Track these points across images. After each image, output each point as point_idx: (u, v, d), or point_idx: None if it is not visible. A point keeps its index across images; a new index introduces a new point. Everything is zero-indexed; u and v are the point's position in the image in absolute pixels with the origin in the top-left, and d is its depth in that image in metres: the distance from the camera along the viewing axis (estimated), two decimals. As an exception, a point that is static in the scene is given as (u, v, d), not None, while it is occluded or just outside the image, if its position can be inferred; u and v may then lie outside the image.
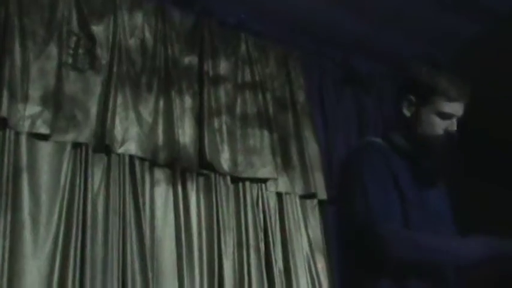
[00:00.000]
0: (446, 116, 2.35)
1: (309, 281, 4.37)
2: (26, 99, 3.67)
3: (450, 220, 2.45)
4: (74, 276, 3.48)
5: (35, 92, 3.72)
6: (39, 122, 3.67)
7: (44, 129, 3.67)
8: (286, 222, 4.43)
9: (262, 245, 4.27)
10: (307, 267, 4.42)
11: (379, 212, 2.16)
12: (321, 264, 4.49)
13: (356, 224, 2.20)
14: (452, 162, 2.42)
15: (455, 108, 2.36)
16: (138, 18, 4.36)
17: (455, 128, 2.38)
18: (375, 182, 2.22)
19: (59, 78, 3.85)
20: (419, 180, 2.35)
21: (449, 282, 2.20)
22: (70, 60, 3.95)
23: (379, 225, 2.13)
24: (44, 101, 3.73)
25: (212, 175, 4.25)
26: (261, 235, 4.30)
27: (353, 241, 2.25)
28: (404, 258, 2.13)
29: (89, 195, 3.70)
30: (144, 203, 3.89)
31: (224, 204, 4.22)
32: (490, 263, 2.07)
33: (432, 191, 2.40)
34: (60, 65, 3.88)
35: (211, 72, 4.52)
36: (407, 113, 2.40)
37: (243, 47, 4.79)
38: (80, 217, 3.64)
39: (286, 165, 4.61)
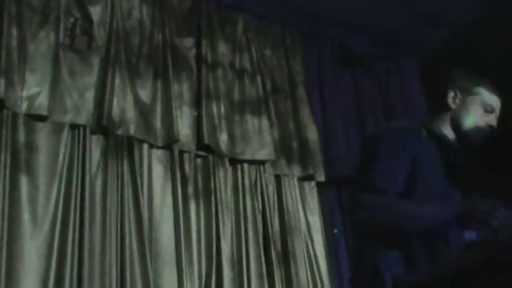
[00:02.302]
0: (489, 108, 2.51)
1: (307, 263, 4.38)
2: (23, 80, 3.66)
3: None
4: (72, 256, 3.48)
5: (32, 73, 3.71)
6: (36, 103, 3.66)
7: (41, 111, 3.66)
8: (285, 204, 4.44)
9: (260, 227, 4.28)
10: (305, 249, 4.42)
11: (379, 180, 2.25)
12: (319, 246, 4.49)
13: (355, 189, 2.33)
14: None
15: (496, 101, 2.53)
16: (136, -1, 4.34)
17: (495, 123, 2.54)
18: (387, 155, 2.32)
19: (56, 60, 3.83)
20: (452, 169, 2.41)
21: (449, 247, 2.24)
22: (67, 41, 3.93)
23: (360, 192, 2.24)
24: (41, 82, 3.72)
25: (210, 157, 4.25)
26: (259, 217, 4.31)
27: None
28: (373, 223, 2.21)
29: (87, 177, 3.70)
30: (142, 185, 3.89)
31: (222, 186, 4.22)
32: (456, 224, 2.17)
33: (457, 185, 2.46)
34: (58, 46, 3.86)
35: (209, 55, 4.51)
36: (453, 105, 2.53)
37: (241, 28, 4.77)
38: (78, 198, 3.64)
39: (284, 147, 4.61)
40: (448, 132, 2.53)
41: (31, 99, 3.65)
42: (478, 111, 2.50)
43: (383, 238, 2.25)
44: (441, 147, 2.48)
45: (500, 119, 2.58)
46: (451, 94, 2.54)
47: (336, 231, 4.65)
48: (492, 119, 2.52)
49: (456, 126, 2.52)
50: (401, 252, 2.23)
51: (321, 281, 4.35)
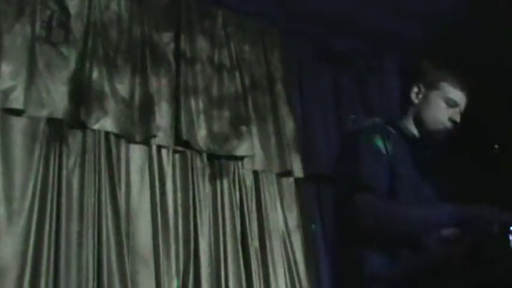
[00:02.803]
0: (451, 102, 2.51)
1: (285, 259, 4.38)
2: (-2, 73, 3.61)
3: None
4: (48, 251, 3.46)
5: (7, 67, 3.66)
6: (12, 97, 3.61)
7: (17, 105, 3.62)
8: (263, 200, 4.44)
9: (238, 223, 4.27)
10: (283, 245, 4.43)
11: (367, 179, 2.28)
12: (296, 242, 4.50)
13: (342, 190, 2.37)
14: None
15: (460, 96, 2.54)
16: (114, -8, 4.31)
17: (458, 118, 2.54)
18: (369, 154, 2.34)
19: (32, 53, 3.79)
20: (419, 166, 2.42)
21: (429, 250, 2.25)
22: (44, 34, 3.89)
23: (358, 194, 2.24)
24: (17, 75, 3.67)
25: (188, 152, 4.23)
26: (237, 213, 4.30)
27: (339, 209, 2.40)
28: (374, 227, 2.22)
29: (64, 172, 3.67)
30: (119, 180, 3.87)
31: (200, 181, 4.21)
32: (455, 228, 2.17)
33: (426, 179, 2.46)
34: (34, 39, 3.82)
35: (187, 50, 4.49)
36: (415, 100, 2.55)
37: (220, 24, 4.75)
38: (55, 193, 3.61)
39: (262, 143, 4.61)
40: (413, 127, 2.55)
41: (6, 93, 3.60)
42: (440, 106, 2.51)
43: (380, 240, 2.25)
44: (408, 142, 2.50)
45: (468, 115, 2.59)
46: (414, 89, 2.56)
47: (313, 226, 4.65)
48: (455, 114, 2.52)
49: (418, 121, 2.54)
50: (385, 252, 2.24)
51: (298, 277, 4.35)
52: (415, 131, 2.55)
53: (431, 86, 2.53)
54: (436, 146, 2.55)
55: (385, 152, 2.36)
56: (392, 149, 2.39)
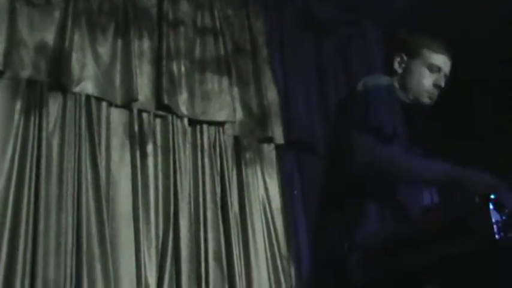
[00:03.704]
0: (434, 68, 2.50)
1: (264, 225, 4.41)
2: (-23, 34, 3.56)
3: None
4: (27, 214, 3.45)
5: (-13, 27, 3.61)
6: (-9, 59, 3.57)
7: (-3, 65, 3.58)
8: (243, 166, 4.44)
9: (218, 189, 4.28)
10: (262, 211, 4.45)
11: (378, 121, 2.27)
12: (276, 208, 4.52)
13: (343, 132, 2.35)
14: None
15: (443, 60, 2.52)
16: (96, -47, 4.23)
17: (443, 83, 2.53)
18: (383, 104, 2.33)
19: (13, 13, 3.73)
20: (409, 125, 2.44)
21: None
22: (25, -5, 3.83)
23: (363, 134, 2.24)
24: (-3, 36, 3.62)
25: (169, 117, 4.22)
26: (218, 178, 4.31)
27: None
28: (370, 167, 2.21)
29: (44, 134, 3.64)
30: (99, 143, 3.85)
31: (181, 146, 4.20)
32: (446, 185, 2.19)
33: (412, 146, 2.47)
34: (14, 0, 3.76)
35: (170, 14, 4.44)
36: (399, 69, 2.54)
37: (203, -13, 4.70)
38: (35, 156, 3.59)
39: (244, 109, 4.60)
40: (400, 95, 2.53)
41: (-14, 53, 3.55)
42: (422, 73, 2.50)
43: (369, 188, 2.27)
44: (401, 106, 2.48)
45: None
46: (397, 59, 2.55)
47: (295, 192, 4.67)
48: (439, 79, 2.52)
49: (404, 90, 2.52)
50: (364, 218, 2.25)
51: (278, 243, 4.38)
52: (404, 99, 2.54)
53: (413, 54, 2.52)
54: (422, 113, 2.56)
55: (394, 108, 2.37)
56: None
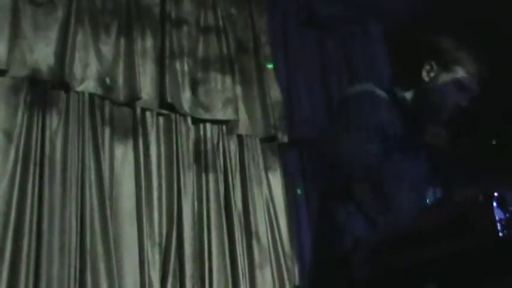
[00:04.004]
0: (462, 88, 2.41)
1: (268, 223, 4.40)
2: (-20, 33, 3.56)
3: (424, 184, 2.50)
4: (31, 214, 3.46)
5: (-10, 26, 3.61)
6: (-5, 58, 3.57)
7: (0, 65, 3.57)
8: (246, 165, 4.44)
9: (221, 187, 4.28)
10: (266, 209, 4.45)
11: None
12: (280, 207, 4.52)
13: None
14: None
15: (473, 84, 2.42)
16: (98, -48, 4.23)
17: (466, 103, 2.42)
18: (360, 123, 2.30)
19: (16, 12, 3.74)
20: (408, 139, 2.40)
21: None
22: (28, -6, 3.84)
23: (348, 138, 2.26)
24: (0, 35, 3.62)
25: (173, 115, 4.22)
26: (221, 177, 4.31)
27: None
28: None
29: (47, 133, 3.66)
30: (103, 142, 3.86)
31: (184, 145, 4.20)
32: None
33: (415, 154, 2.44)
34: (17, -1, 3.77)
35: (173, 13, 4.44)
36: (426, 77, 2.43)
37: (206, -14, 4.70)
38: (38, 156, 3.60)
39: (247, 107, 4.60)
40: (411, 101, 2.47)
41: (-12, 53, 3.56)
42: (450, 89, 2.40)
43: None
44: (400, 110, 2.43)
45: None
46: (426, 67, 2.43)
47: (299, 191, 4.67)
48: (463, 99, 2.41)
49: (423, 99, 2.43)
50: (362, 213, 2.25)
51: (281, 241, 4.38)
52: (411, 105, 2.46)
53: (445, 67, 2.41)
54: (435, 126, 2.46)
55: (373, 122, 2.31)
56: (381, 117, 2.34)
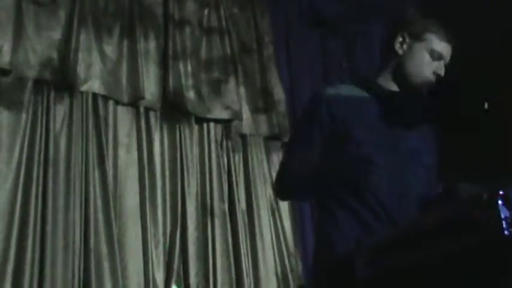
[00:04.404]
0: (436, 55, 2.41)
1: (271, 222, 4.41)
2: (-16, 33, 3.56)
3: (427, 160, 2.49)
4: (35, 213, 3.46)
5: (-6, 26, 3.61)
6: (-2, 57, 3.57)
7: (4, 65, 3.57)
8: (250, 164, 4.44)
9: (225, 186, 4.29)
10: (269, 208, 4.45)
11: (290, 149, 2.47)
12: (283, 206, 4.52)
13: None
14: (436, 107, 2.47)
15: (446, 49, 2.42)
16: (101, -48, 4.24)
17: (443, 72, 2.43)
18: (304, 129, 2.43)
19: (20, 13, 3.73)
20: (393, 120, 2.38)
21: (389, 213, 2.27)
22: (31, -6, 3.83)
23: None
24: (4, 35, 3.61)
25: (176, 115, 4.22)
26: (225, 176, 4.32)
27: None
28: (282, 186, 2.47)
29: (51, 134, 3.66)
30: (107, 142, 3.87)
31: (188, 144, 4.21)
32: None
33: (409, 132, 2.42)
34: (20, -2, 3.76)
35: (176, 14, 4.44)
36: (399, 50, 2.44)
37: (209, -13, 4.70)
38: (42, 155, 3.60)
39: (250, 107, 4.60)
40: (391, 83, 2.46)
41: (-8, 52, 3.56)
42: (424, 58, 2.40)
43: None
44: (381, 100, 2.42)
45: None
46: (399, 39, 2.44)
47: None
48: (440, 67, 2.42)
49: (400, 74, 2.43)
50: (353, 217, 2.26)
51: (285, 240, 4.39)
52: (393, 87, 2.45)
53: (417, 36, 2.41)
54: (417, 101, 2.45)
55: (326, 117, 2.37)
56: (348, 111, 2.36)
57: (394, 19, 2.59)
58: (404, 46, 2.43)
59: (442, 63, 2.43)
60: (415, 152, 2.40)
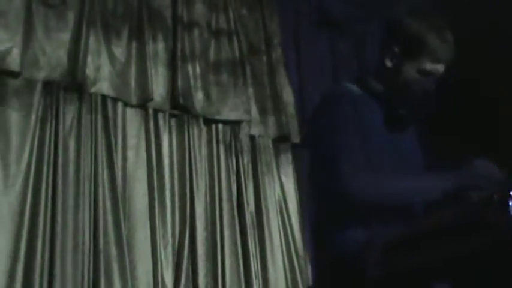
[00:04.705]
0: (426, 73, 2.31)
1: (280, 224, 4.41)
2: (-6, 34, 3.58)
3: (420, 162, 2.48)
4: (45, 214, 3.47)
5: (3, 28, 3.62)
6: (8, 59, 3.57)
7: (13, 66, 3.58)
8: (259, 165, 4.44)
9: (234, 188, 4.29)
10: (278, 210, 4.45)
11: (342, 154, 2.17)
12: (292, 207, 4.52)
13: (321, 165, 2.26)
14: (424, 110, 2.43)
15: (438, 68, 2.32)
16: (110, -46, 4.24)
17: (432, 88, 2.34)
18: (341, 127, 2.24)
19: (29, 14, 3.75)
20: (391, 124, 2.36)
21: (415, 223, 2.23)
22: (41, -4, 3.85)
23: (340, 165, 2.14)
24: (13, 37, 3.63)
25: (185, 116, 4.23)
26: (233, 177, 4.32)
27: (319, 184, 2.30)
28: (365, 197, 2.14)
29: (60, 135, 3.67)
30: (116, 143, 3.87)
31: (196, 146, 4.21)
32: (453, 195, 2.10)
33: (404, 135, 2.41)
34: (31, 0, 3.77)
35: (185, 16, 4.45)
36: (388, 63, 2.34)
37: (218, -12, 4.71)
38: (51, 156, 3.61)
39: (259, 108, 4.60)
40: (381, 87, 2.39)
41: (2, 54, 3.55)
42: (414, 77, 2.29)
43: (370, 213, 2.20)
44: (375, 100, 2.37)
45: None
46: (389, 53, 2.33)
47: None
48: (430, 84, 2.32)
49: (389, 85, 2.36)
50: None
51: (294, 242, 4.39)
52: (383, 91, 2.39)
53: (409, 55, 2.29)
54: (407, 106, 2.37)
55: (354, 121, 2.25)
56: (361, 113, 2.29)
57: (388, 24, 2.42)
58: (394, 61, 2.33)
59: (433, 77, 2.34)
60: (409, 155, 2.40)
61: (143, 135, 4.05)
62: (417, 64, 2.29)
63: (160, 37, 4.31)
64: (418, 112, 2.43)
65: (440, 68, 2.33)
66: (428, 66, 2.30)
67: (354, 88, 2.44)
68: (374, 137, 2.29)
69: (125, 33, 4.13)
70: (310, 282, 4.32)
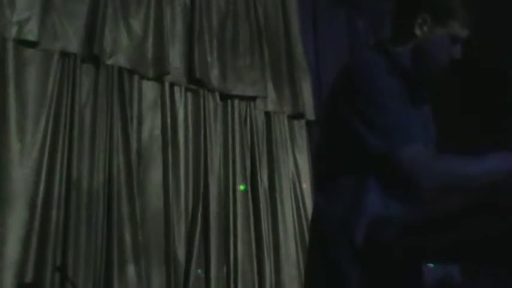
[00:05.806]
0: (457, 40, 2.25)
1: (293, 201, 4.42)
2: (13, 3, 3.57)
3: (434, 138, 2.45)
4: (60, 185, 3.49)
5: (22, -2, 3.62)
6: (26, 29, 3.58)
7: (31, 36, 3.59)
8: (273, 142, 4.45)
9: (248, 163, 4.29)
10: (292, 187, 4.46)
11: (401, 133, 2.01)
12: (305, 185, 4.52)
13: (373, 148, 2.03)
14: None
15: (465, 33, 2.26)
16: None
17: (460, 55, 2.28)
18: (391, 97, 2.09)
19: (48, -15, 3.74)
20: (416, 98, 2.32)
21: None
22: (59, -33, 3.84)
23: (403, 149, 1.97)
24: (32, 7, 3.63)
25: (201, 91, 4.22)
26: (248, 153, 4.32)
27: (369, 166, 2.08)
28: (438, 189, 1.96)
29: (76, 106, 3.67)
30: (131, 116, 3.87)
31: (212, 120, 4.21)
32: None
33: (425, 110, 2.38)
34: (49, -29, 3.76)
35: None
36: (418, 32, 2.25)
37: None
38: (67, 127, 3.62)
39: (275, 84, 4.60)
40: (407, 60, 2.26)
41: (21, 23, 3.56)
42: (446, 44, 2.23)
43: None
44: (404, 76, 2.23)
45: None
46: (418, 20, 2.23)
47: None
48: (458, 51, 2.26)
49: (418, 55, 2.25)
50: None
51: (307, 219, 4.39)
52: (409, 64, 2.26)
53: (440, 21, 2.22)
54: (432, 81, 2.28)
55: (402, 87, 2.13)
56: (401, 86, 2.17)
57: None
58: (425, 28, 2.25)
59: (459, 46, 2.27)
60: (430, 131, 2.36)
61: (159, 109, 4.05)
62: (449, 30, 2.24)
63: (178, 11, 4.29)
64: (444, 83, 2.37)
65: (466, 33, 2.27)
66: (460, 31, 2.25)
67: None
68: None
69: (143, 6, 4.12)
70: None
